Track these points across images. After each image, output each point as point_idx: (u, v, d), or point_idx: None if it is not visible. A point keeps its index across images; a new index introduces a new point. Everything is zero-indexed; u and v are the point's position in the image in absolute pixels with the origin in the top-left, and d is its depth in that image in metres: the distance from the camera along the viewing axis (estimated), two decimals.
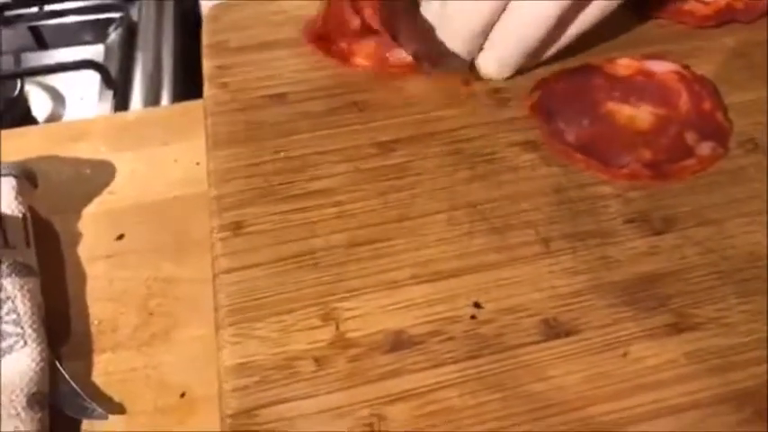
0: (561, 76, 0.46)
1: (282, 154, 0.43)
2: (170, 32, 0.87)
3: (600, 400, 0.32)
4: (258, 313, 0.35)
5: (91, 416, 0.39)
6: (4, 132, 0.59)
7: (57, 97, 0.82)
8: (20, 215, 0.46)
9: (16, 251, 0.45)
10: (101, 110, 0.79)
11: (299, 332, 0.35)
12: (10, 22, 0.90)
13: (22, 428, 0.37)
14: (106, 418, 0.39)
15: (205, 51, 0.51)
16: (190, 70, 0.84)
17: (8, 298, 0.42)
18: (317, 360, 0.33)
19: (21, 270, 0.43)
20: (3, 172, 0.47)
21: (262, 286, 0.36)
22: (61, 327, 0.44)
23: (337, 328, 0.35)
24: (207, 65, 0.49)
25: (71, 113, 0.81)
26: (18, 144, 0.55)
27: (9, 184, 0.47)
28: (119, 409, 0.40)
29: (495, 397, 0.32)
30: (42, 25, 0.91)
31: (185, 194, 0.51)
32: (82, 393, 0.40)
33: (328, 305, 0.36)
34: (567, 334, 0.34)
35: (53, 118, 0.80)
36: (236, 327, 0.35)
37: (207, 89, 0.48)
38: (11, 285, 0.42)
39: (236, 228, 0.39)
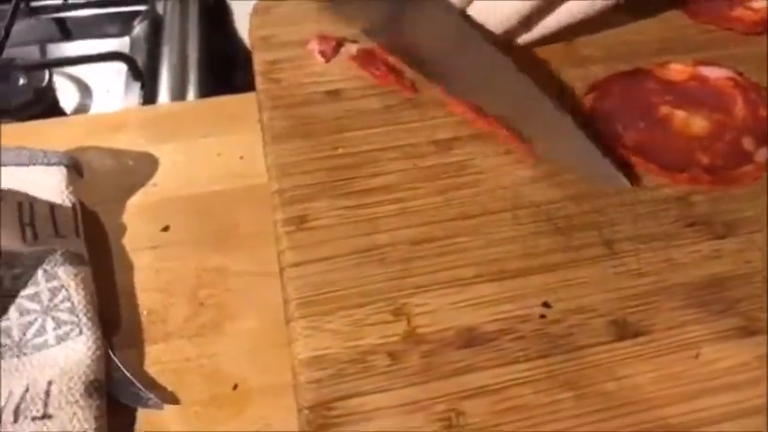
0: (615, 79, 0.46)
1: (341, 150, 0.43)
2: (195, 26, 0.87)
3: (672, 400, 0.32)
4: (328, 307, 0.35)
5: (146, 405, 0.39)
6: (42, 122, 0.59)
7: (83, 89, 0.82)
8: (70, 205, 0.46)
9: (67, 241, 0.45)
10: (127, 102, 0.79)
11: (370, 326, 0.35)
12: (35, 12, 0.90)
13: (80, 415, 0.37)
14: (162, 407, 0.39)
15: (254, 45, 0.51)
16: (215, 64, 0.84)
17: (62, 287, 0.42)
18: (390, 354, 0.34)
19: (73, 259, 0.43)
20: (52, 161, 0.47)
21: (329, 280, 0.36)
22: (111, 316, 0.44)
23: (409, 323, 0.35)
24: (257, 59, 0.49)
25: (98, 105, 0.81)
26: (56, 134, 0.55)
27: (60, 173, 0.47)
28: (173, 398, 0.40)
29: (568, 395, 0.32)
30: (67, 17, 0.90)
31: (229, 188, 0.51)
32: (137, 383, 0.40)
33: (397, 300, 0.36)
34: (637, 335, 0.34)
35: (80, 109, 0.80)
36: (307, 320, 0.35)
37: (259, 83, 0.48)
38: (65, 274, 0.42)
39: (301, 222, 0.39)
